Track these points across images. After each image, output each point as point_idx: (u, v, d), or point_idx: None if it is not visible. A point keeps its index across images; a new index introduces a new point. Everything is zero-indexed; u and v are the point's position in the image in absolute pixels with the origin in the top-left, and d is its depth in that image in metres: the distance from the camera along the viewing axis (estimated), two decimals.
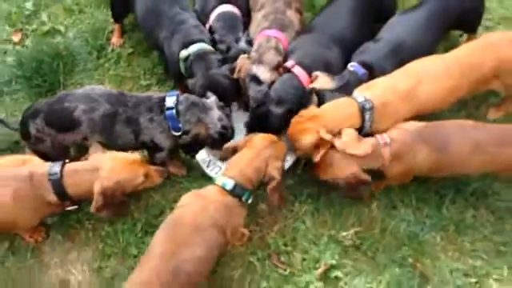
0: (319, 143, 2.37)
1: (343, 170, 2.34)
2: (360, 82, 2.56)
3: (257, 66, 2.68)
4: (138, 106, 2.46)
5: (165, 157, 2.62)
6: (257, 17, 2.93)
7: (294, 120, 2.45)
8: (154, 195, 2.71)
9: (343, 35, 2.76)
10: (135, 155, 2.41)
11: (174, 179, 2.74)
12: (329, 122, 2.39)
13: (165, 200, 2.68)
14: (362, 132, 2.44)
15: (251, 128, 2.59)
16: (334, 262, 2.42)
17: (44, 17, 3.43)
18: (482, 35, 2.70)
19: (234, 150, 2.38)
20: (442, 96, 2.49)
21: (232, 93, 2.71)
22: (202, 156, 2.74)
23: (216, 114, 2.47)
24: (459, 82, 2.49)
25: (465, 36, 3.06)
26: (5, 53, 3.30)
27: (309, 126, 2.38)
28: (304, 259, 2.46)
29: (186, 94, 2.52)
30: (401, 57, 2.60)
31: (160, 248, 2.11)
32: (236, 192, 2.21)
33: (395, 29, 2.74)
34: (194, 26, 2.83)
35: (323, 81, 2.56)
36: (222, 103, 2.56)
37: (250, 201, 2.27)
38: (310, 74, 2.61)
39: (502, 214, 2.53)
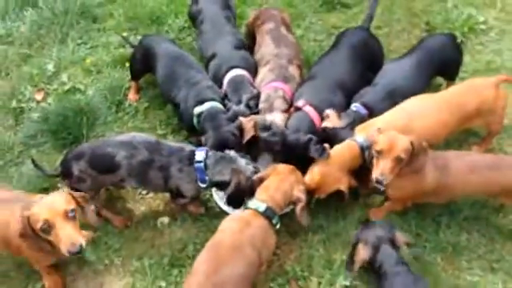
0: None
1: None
2: (362, 120, 2.93)
3: (269, 114, 3.02)
4: (171, 156, 2.74)
5: (185, 202, 2.90)
6: (263, 71, 3.31)
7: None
8: (177, 231, 2.94)
9: (344, 80, 3.15)
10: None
11: (195, 217, 2.98)
12: (337, 165, 2.72)
13: (187, 236, 2.91)
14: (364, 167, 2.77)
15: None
16: (347, 283, 2.65)
17: (64, 77, 3.75)
18: (468, 79, 3.14)
19: (261, 180, 2.66)
20: (434, 130, 2.83)
21: (238, 148, 2.95)
22: (219, 194, 3.00)
23: (242, 161, 2.77)
24: (448, 118, 2.86)
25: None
26: (29, 110, 3.57)
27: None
28: (320, 283, 2.70)
29: (213, 151, 2.79)
30: (396, 99, 2.97)
31: (203, 267, 2.34)
32: (268, 214, 2.49)
33: (389, 75, 3.14)
34: (208, 87, 3.15)
35: (333, 120, 2.92)
36: (241, 153, 2.87)
37: (278, 226, 2.53)
38: (319, 113, 2.98)
39: (492, 235, 2.83)
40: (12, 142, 3.41)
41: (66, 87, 3.68)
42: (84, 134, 3.34)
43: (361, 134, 2.80)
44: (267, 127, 2.93)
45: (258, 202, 2.52)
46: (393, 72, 3.16)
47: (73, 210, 2.30)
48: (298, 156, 2.83)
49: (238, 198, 2.74)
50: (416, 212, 2.91)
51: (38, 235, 2.31)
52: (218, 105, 3.08)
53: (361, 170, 2.81)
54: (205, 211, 3.01)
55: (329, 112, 2.95)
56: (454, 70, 3.35)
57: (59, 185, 3.16)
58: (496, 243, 2.81)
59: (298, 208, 2.59)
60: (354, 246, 2.53)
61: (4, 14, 4.19)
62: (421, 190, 2.71)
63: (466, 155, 2.80)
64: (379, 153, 2.56)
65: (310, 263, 2.78)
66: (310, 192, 2.77)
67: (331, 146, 2.81)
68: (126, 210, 3.07)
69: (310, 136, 2.83)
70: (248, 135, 2.89)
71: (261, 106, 3.13)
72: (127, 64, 3.74)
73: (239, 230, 2.43)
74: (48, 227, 2.26)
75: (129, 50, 3.86)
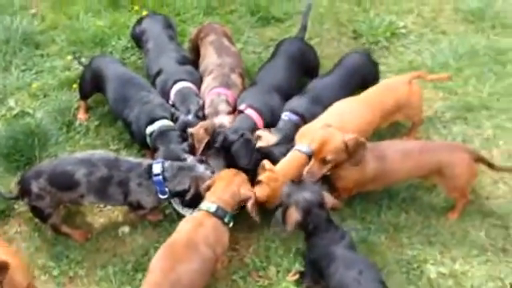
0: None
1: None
2: (296, 125, 3.18)
3: (216, 118, 3.23)
4: (130, 171, 2.87)
5: (144, 213, 3.03)
6: (207, 80, 3.51)
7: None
8: (139, 238, 3.06)
9: (280, 84, 3.42)
10: None
11: (155, 223, 3.11)
12: (287, 175, 2.86)
13: (148, 242, 3.03)
14: None
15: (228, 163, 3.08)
16: (302, 269, 2.86)
17: (11, 102, 3.80)
18: (384, 79, 3.48)
19: (209, 187, 2.83)
20: (361, 128, 3.08)
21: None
22: (176, 200, 3.15)
23: (201, 167, 2.93)
24: (371, 116, 3.15)
25: None
26: None
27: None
28: (278, 271, 2.90)
29: (169, 162, 2.93)
30: (321, 104, 3.24)
31: (159, 264, 2.50)
32: (219, 214, 2.67)
33: (315, 86, 3.42)
34: (158, 105, 3.28)
35: (266, 138, 3.12)
36: (198, 157, 3.04)
37: (231, 224, 2.71)
38: (260, 115, 3.22)
39: (428, 213, 3.14)
40: None
41: (14, 112, 3.73)
42: (36, 156, 3.39)
43: (303, 143, 3.00)
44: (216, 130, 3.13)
45: (208, 204, 2.70)
46: (318, 84, 3.44)
47: None
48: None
49: (198, 202, 2.89)
50: (359, 198, 3.18)
51: None
52: (168, 122, 3.22)
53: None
54: (163, 217, 3.14)
55: (260, 132, 3.13)
56: (372, 82, 3.54)
57: (15, 206, 3.20)
58: (431, 219, 3.12)
59: (249, 205, 2.78)
60: (286, 207, 2.65)
61: None
62: (363, 179, 2.98)
63: (399, 143, 3.13)
64: (313, 152, 2.81)
65: (268, 254, 2.97)
66: (261, 204, 2.94)
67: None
68: (85, 223, 3.16)
69: (241, 132, 3.05)
70: (203, 142, 3.06)
71: (206, 111, 3.33)
72: (74, 86, 3.86)
73: (193, 229, 2.60)
74: None
75: (74, 73, 3.98)
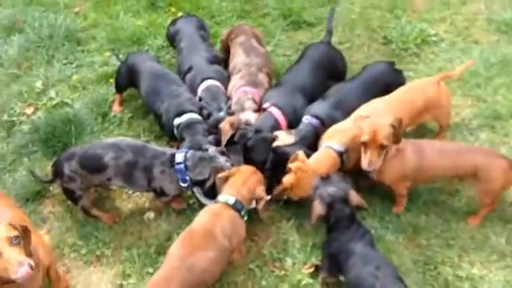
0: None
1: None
2: (315, 129, 3.25)
3: (242, 114, 3.34)
4: (154, 159, 3.02)
5: (168, 200, 3.16)
6: (234, 78, 3.63)
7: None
8: (163, 224, 3.18)
9: (304, 86, 3.50)
10: None
11: (179, 211, 3.24)
12: (316, 170, 2.92)
13: (172, 227, 3.16)
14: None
15: (244, 159, 3.17)
16: (318, 262, 2.92)
17: (52, 93, 4.02)
18: (413, 80, 3.51)
19: (227, 179, 2.93)
20: None
21: None
22: (199, 190, 3.26)
23: (222, 158, 3.05)
24: (400, 116, 3.18)
25: None
26: (20, 123, 3.82)
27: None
28: (294, 263, 2.97)
29: (192, 151, 3.06)
30: (342, 109, 3.30)
31: (177, 250, 2.61)
32: (237, 206, 2.76)
33: (337, 91, 3.47)
34: (187, 99, 3.44)
35: (284, 138, 3.20)
36: (220, 148, 3.15)
37: (245, 217, 2.81)
38: (283, 114, 3.31)
39: (448, 217, 3.15)
40: (5, 152, 3.64)
41: (54, 102, 3.94)
42: (72, 143, 3.57)
43: (334, 140, 3.07)
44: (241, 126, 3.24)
45: (227, 196, 2.79)
46: (340, 89, 3.49)
47: (16, 237, 2.33)
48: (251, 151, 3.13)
49: (216, 193, 3.00)
50: (380, 198, 3.22)
51: None
52: (195, 116, 3.36)
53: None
54: (187, 206, 3.26)
55: (278, 133, 3.22)
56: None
57: (50, 188, 3.39)
58: (451, 223, 3.12)
59: (260, 205, 2.87)
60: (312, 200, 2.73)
61: None
62: (403, 174, 3.01)
63: (438, 142, 3.20)
64: (365, 144, 2.87)
65: (285, 247, 3.05)
66: (282, 192, 3.05)
67: (283, 166, 3.02)
68: (114, 208, 3.32)
69: (258, 129, 3.15)
70: (227, 135, 3.17)
71: (233, 108, 3.44)
72: (111, 80, 4.05)
73: (211, 219, 2.71)
74: None
75: (112, 68, 4.17)
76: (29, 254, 2.37)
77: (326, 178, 2.84)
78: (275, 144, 3.15)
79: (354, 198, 2.75)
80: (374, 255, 2.64)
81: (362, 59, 4.16)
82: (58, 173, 3.04)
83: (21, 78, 4.18)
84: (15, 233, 2.34)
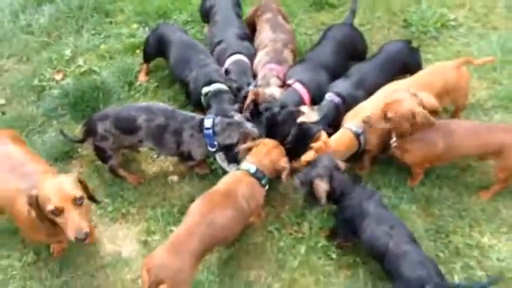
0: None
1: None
2: (337, 106, 3.36)
3: (267, 89, 3.46)
4: (184, 123, 3.15)
5: (193, 164, 3.29)
6: (260, 53, 3.75)
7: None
8: (186, 187, 3.33)
9: (327, 63, 3.62)
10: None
11: (201, 176, 3.39)
12: (335, 150, 3.05)
13: (194, 190, 3.31)
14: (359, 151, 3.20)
15: (267, 132, 3.26)
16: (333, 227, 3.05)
17: (81, 61, 4.16)
18: (433, 63, 3.60)
19: (250, 149, 3.06)
20: None
21: None
22: (222, 156, 3.39)
23: (249, 124, 3.17)
24: None
25: None
26: (49, 88, 3.97)
27: None
28: (311, 227, 3.10)
29: (219, 117, 3.18)
30: (363, 88, 3.42)
31: (198, 208, 2.74)
32: (257, 175, 2.89)
33: (358, 70, 3.57)
34: (215, 70, 3.57)
35: (308, 115, 3.31)
36: (245, 114, 3.28)
37: (266, 186, 2.93)
38: (307, 89, 3.42)
39: (460, 190, 3.26)
40: (35, 115, 3.80)
41: (83, 69, 4.09)
42: (100, 108, 3.72)
43: (353, 122, 3.19)
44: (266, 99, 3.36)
45: (249, 164, 2.92)
46: (360, 68, 3.59)
47: (81, 198, 2.43)
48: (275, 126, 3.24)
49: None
50: (395, 170, 3.34)
51: (43, 213, 2.44)
52: (223, 86, 3.49)
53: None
54: (210, 171, 3.40)
55: (303, 108, 3.33)
56: (415, 68, 3.66)
57: (79, 149, 3.54)
58: (463, 196, 3.24)
59: (284, 175, 2.98)
60: (310, 186, 2.84)
61: (24, 9, 4.60)
62: (431, 155, 3.09)
63: (467, 122, 3.27)
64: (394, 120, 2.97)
65: (303, 212, 3.18)
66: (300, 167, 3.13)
67: (304, 142, 3.15)
68: (139, 170, 3.47)
69: (283, 104, 3.26)
70: (248, 100, 3.30)
71: (259, 83, 3.57)
72: (137, 51, 4.19)
73: (232, 183, 2.85)
74: (58, 211, 2.39)
75: (139, 40, 4.30)
76: (88, 219, 2.47)
77: (309, 163, 2.97)
78: (300, 120, 3.26)
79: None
80: (388, 216, 2.78)
81: (382, 41, 4.24)
82: (90, 131, 3.17)
83: (51, 45, 4.33)
84: (80, 193, 2.45)
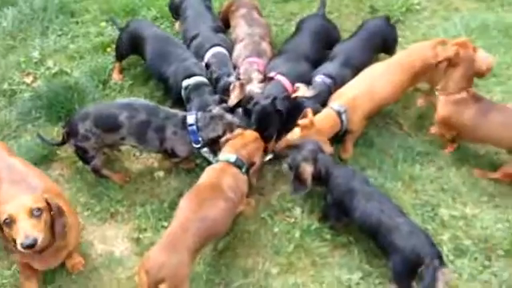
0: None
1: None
2: (328, 87, 3.42)
3: (250, 84, 3.47)
4: (167, 119, 3.11)
5: (178, 161, 3.27)
6: (238, 47, 3.75)
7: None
8: (173, 182, 3.31)
9: (306, 53, 3.67)
10: None
11: (188, 170, 3.37)
12: (319, 129, 3.13)
13: (182, 184, 3.28)
14: (341, 131, 3.26)
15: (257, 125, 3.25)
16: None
17: (50, 63, 4.06)
18: (413, 44, 3.70)
19: (228, 139, 3.05)
20: (393, 90, 3.36)
21: None
22: (207, 150, 3.38)
23: (228, 115, 3.17)
24: (401, 77, 3.38)
25: None
26: (20, 92, 3.85)
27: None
28: (303, 211, 3.14)
29: (201, 112, 3.17)
30: (351, 67, 3.51)
31: (188, 203, 2.73)
32: (237, 163, 2.91)
33: (342, 50, 3.67)
34: (194, 63, 3.56)
35: (303, 90, 3.37)
36: (223, 105, 3.28)
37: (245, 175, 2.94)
38: (290, 80, 3.45)
39: (441, 165, 3.38)
40: (8, 120, 3.67)
41: (53, 71, 3.99)
42: (76, 108, 3.63)
43: (336, 102, 3.27)
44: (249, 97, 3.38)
45: (228, 155, 2.94)
46: (344, 48, 3.69)
47: (39, 210, 2.36)
48: (266, 118, 3.25)
49: None
50: (377, 151, 3.43)
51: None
52: (203, 79, 3.48)
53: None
54: (196, 166, 3.38)
55: (299, 84, 3.40)
56: (392, 44, 3.89)
57: (58, 152, 3.45)
58: (444, 170, 3.35)
59: (253, 170, 3.01)
60: (296, 170, 2.92)
61: None
62: (456, 120, 3.19)
63: (509, 110, 3.21)
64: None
65: (293, 198, 3.21)
66: (285, 147, 3.20)
67: (296, 114, 3.21)
68: (123, 169, 3.41)
69: (274, 95, 3.27)
70: (238, 96, 3.30)
71: (242, 77, 3.57)
72: (108, 49, 4.13)
73: (216, 175, 2.85)
74: (11, 221, 2.33)
75: (108, 38, 4.24)
76: (50, 232, 2.43)
77: (294, 146, 3.05)
78: (295, 94, 3.30)
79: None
80: (375, 192, 2.87)
81: (352, 27, 4.30)
82: (71, 132, 3.10)
83: (17, 48, 4.21)
84: (39, 205, 2.39)
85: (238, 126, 3.14)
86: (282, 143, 3.24)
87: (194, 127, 3.08)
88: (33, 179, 2.68)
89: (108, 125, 3.06)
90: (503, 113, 3.16)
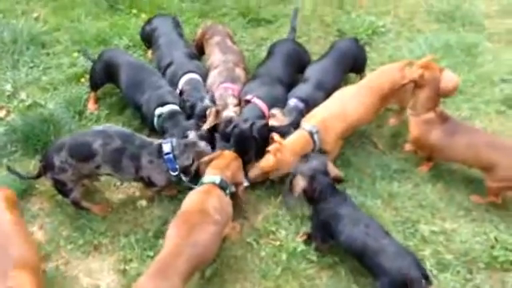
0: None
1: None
2: (301, 112, 3.51)
3: (226, 110, 3.52)
4: (142, 148, 3.11)
5: (157, 190, 3.27)
6: (212, 74, 3.81)
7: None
8: (156, 210, 3.29)
9: (280, 77, 3.77)
10: None
11: (171, 197, 3.36)
12: (292, 150, 3.23)
13: (166, 213, 3.26)
14: (314, 151, 3.33)
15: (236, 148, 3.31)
16: (310, 231, 3.14)
17: (23, 95, 4.00)
18: (382, 66, 3.84)
19: (210, 161, 3.10)
20: (364, 112, 3.47)
21: None
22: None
23: (202, 143, 3.20)
24: (371, 100, 3.49)
25: None
26: None
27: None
28: (288, 234, 3.17)
29: (176, 140, 3.17)
30: (323, 89, 3.62)
31: (177, 230, 2.72)
32: (222, 185, 2.94)
33: (314, 72, 3.78)
34: (168, 92, 3.59)
35: (279, 119, 3.45)
36: (199, 132, 3.31)
37: (228, 196, 2.97)
38: (266, 103, 3.53)
39: (418, 181, 3.49)
40: None
41: (27, 103, 3.93)
42: (52, 140, 3.58)
43: (308, 123, 3.36)
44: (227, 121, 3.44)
45: (213, 176, 2.96)
46: (316, 70, 3.80)
47: None
48: (245, 141, 3.33)
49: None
50: (355, 170, 3.52)
51: None
52: (177, 108, 3.51)
53: None
54: (178, 192, 3.38)
55: (274, 111, 3.47)
56: (361, 64, 4.07)
57: (36, 185, 3.39)
58: (421, 187, 3.46)
59: (240, 189, 3.10)
60: (291, 180, 2.96)
61: None
62: (425, 140, 3.34)
63: (474, 132, 3.38)
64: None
65: (277, 220, 3.25)
66: (263, 175, 3.28)
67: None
68: (104, 199, 3.38)
69: (252, 121, 3.35)
70: (210, 124, 3.36)
71: (218, 103, 3.61)
72: (82, 80, 4.11)
73: (201, 198, 2.85)
74: None
75: (81, 68, 4.22)
76: None
77: (304, 157, 3.10)
78: (271, 123, 3.37)
79: (332, 169, 3.02)
80: (361, 215, 2.91)
81: (321, 50, 4.42)
82: (48, 165, 3.05)
83: None
84: None
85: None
86: (256, 171, 3.28)
87: (171, 155, 3.09)
88: (12, 247, 2.57)
89: (82, 154, 3.03)
90: (468, 134, 3.29)
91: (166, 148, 3.11)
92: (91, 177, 3.25)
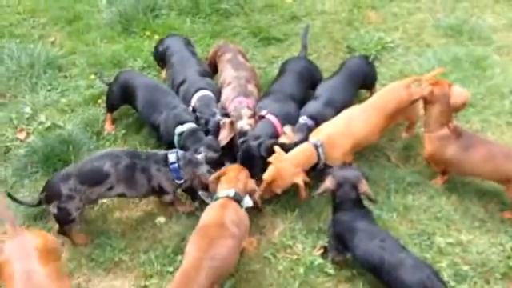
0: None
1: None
2: (310, 129, 3.58)
3: (240, 121, 3.61)
4: (148, 159, 3.22)
5: (171, 198, 3.35)
6: (226, 91, 3.90)
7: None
8: (175, 227, 3.35)
9: (293, 94, 3.85)
10: None
11: (188, 214, 3.42)
12: (295, 160, 3.31)
13: (185, 229, 3.31)
14: (319, 165, 3.40)
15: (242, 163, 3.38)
16: (326, 244, 3.18)
17: (42, 118, 4.10)
18: (386, 85, 3.89)
19: (218, 179, 3.15)
20: (370, 130, 3.52)
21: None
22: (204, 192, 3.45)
23: (204, 168, 3.27)
24: (377, 118, 3.54)
25: None
26: (14, 148, 3.87)
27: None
28: (304, 247, 3.22)
29: (182, 153, 3.29)
30: (333, 107, 3.69)
31: (196, 245, 2.79)
32: (237, 197, 3.00)
33: (325, 89, 3.86)
34: (184, 110, 3.69)
35: (289, 135, 3.53)
36: (209, 155, 3.38)
37: (243, 208, 3.04)
38: (278, 119, 3.61)
39: (432, 194, 3.52)
40: (4, 176, 3.67)
41: (46, 125, 4.02)
42: (72, 160, 3.66)
43: (314, 137, 3.44)
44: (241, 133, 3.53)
45: (226, 190, 3.03)
46: (326, 87, 3.88)
47: None
48: (251, 159, 3.41)
49: (194, 193, 3.39)
50: (369, 184, 3.49)
51: None
52: (195, 125, 3.60)
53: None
54: (195, 209, 3.44)
55: (285, 129, 3.56)
56: (372, 81, 4.14)
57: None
58: (435, 199, 3.49)
59: (257, 196, 3.18)
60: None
61: None
62: (441, 156, 3.39)
63: (490, 144, 3.40)
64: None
65: (293, 234, 3.29)
66: (268, 188, 3.32)
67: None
68: (123, 218, 3.43)
69: (261, 140, 3.44)
70: (228, 137, 3.45)
71: (231, 116, 3.69)
72: (99, 101, 4.21)
73: (218, 212, 2.92)
74: None
75: (98, 90, 4.32)
76: None
77: (346, 164, 3.20)
78: (281, 140, 3.45)
79: (363, 186, 3.05)
80: (377, 230, 2.95)
81: (331, 67, 4.53)
82: (54, 195, 3.07)
83: (7, 105, 4.25)
84: None
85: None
86: (264, 185, 3.31)
87: (176, 165, 3.20)
88: None
89: (94, 178, 3.10)
90: (484, 147, 3.32)
91: (172, 158, 3.22)
92: (96, 201, 3.32)
